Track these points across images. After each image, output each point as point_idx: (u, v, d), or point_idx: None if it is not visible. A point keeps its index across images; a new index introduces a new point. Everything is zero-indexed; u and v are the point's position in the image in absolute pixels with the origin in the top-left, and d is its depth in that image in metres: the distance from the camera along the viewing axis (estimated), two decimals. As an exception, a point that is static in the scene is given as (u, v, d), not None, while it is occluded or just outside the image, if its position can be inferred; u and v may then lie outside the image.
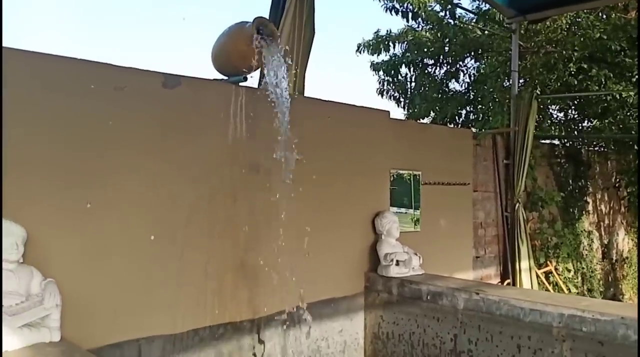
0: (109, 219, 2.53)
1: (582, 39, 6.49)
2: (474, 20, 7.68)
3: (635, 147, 7.25)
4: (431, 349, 3.44)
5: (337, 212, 3.62)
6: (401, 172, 4.56)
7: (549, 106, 8.15)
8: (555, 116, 8.51)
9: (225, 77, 3.13)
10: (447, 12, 7.27)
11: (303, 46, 3.73)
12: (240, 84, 3.10)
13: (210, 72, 3.18)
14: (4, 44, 2.23)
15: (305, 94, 3.89)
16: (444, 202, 4.97)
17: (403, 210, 4.70)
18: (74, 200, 2.42)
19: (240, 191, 3.06)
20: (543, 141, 7.42)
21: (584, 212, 7.71)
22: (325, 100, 3.60)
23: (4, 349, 1.89)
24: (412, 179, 4.70)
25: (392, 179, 4.40)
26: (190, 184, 2.85)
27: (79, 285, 2.38)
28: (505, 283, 5.96)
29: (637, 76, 6.45)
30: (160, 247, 2.71)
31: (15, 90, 2.25)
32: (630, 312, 2.68)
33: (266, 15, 3.69)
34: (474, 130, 6.32)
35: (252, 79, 3.20)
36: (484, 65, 7.63)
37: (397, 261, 3.71)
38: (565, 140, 7.68)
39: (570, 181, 7.56)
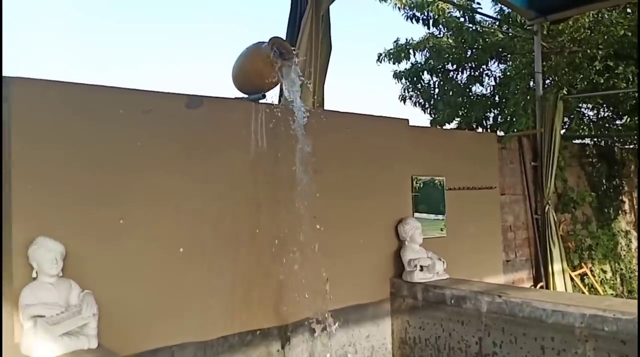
0: (140, 233, 2.70)
1: (605, 37, 6.42)
2: (497, 24, 7.68)
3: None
4: (457, 353, 3.48)
5: (360, 221, 3.71)
6: (424, 178, 4.62)
7: (580, 106, 8.05)
8: (587, 116, 8.38)
9: (246, 96, 3.29)
10: (467, 18, 7.30)
11: (320, 62, 3.87)
12: (260, 101, 3.26)
13: (231, 91, 3.34)
14: (43, 77, 2.45)
15: (326, 107, 4.02)
16: (470, 206, 5.00)
17: (428, 216, 4.76)
18: (108, 217, 2.60)
19: (263, 203, 3.19)
20: (575, 141, 7.33)
21: (620, 211, 7.55)
22: (343, 112, 3.72)
23: (47, 356, 2.07)
24: (435, 184, 4.75)
25: (415, 185, 4.47)
26: (215, 198, 3.00)
27: (115, 296, 2.55)
28: (538, 286, 5.91)
29: None
30: (189, 259, 2.87)
31: (51, 118, 2.46)
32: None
33: (284, 33, 3.86)
34: (500, 133, 6.30)
35: (274, 96, 3.37)
36: (510, 67, 7.61)
37: (421, 266, 3.77)
38: (597, 139, 7.56)
39: (604, 181, 7.42)
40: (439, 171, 4.73)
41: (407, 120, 4.19)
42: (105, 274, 2.56)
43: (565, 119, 8.15)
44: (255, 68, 3.12)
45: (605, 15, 6.99)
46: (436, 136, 4.98)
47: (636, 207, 7.92)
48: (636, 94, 6.57)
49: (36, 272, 2.26)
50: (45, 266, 2.24)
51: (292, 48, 3.13)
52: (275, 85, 3.20)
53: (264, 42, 3.10)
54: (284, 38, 3.84)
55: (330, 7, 4.04)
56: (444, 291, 3.55)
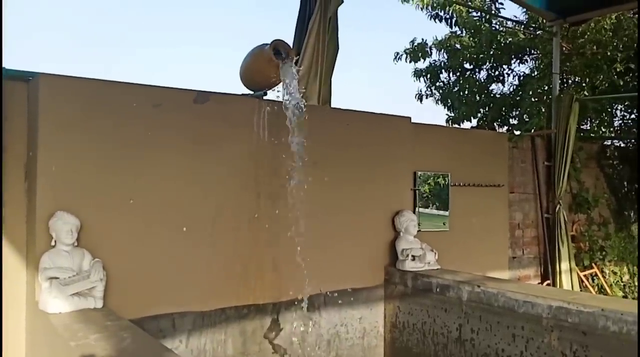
0: (148, 212, 3.06)
1: (626, 39, 6.41)
2: (517, 25, 7.71)
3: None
4: (439, 338, 3.72)
5: (357, 211, 3.97)
6: (428, 174, 4.84)
7: (610, 107, 8.00)
8: (617, 117, 8.32)
9: (252, 92, 3.61)
10: (483, 19, 7.39)
11: (327, 61, 4.14)
12: (264, 97, 3.56)
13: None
14: (76, 75, 2.83)
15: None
16: (475, 203, 5.17)
17: (431, 210, 4.97)
18: (120, 197, 2.97)
19: (263, 190, 3.51)
20: (600, 143, 7.32)
21: (640, 214, 7.50)
22: (344, 109, 3.98)
23: (58, 311, 2.46)
24: (440, 180, 4.96)
25: (418, 180, 4.70)
26: (218, 185, 3.33)
27: (122, 266, 2.92)
28: (545, 284, 6.03)
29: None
30: (191, 237, 3.21)
31: (72, 109, 2.84)
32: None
33: (292, 36, 4.15)
34: (517, 132, 6.41)
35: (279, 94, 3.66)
36: (530, 68, 7.66)
37: (413, 256, 4.02)
38: (621, 141, 7.53)
39: (625, 183, 7.40)
40: (444, 168, 4.93)
41: (409, 118, 4.41)
42: (115, 247, 2.92)
43: (594, 121, 8.14)
44: (259, 68, 3.42)
45: (623, 17, 6.93)
46: (442, 134, 5.17)
47: None
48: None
49: (54, 241, 2.64)
50: (62, 236, 2.62)
51: (292, 49, 3.41)
52: (277, 84, 3.48)
53: (267, 44, 3.39)
54: (293, 38, 4.15)
55: (339, 9, 4.30)
56: (431, 280, 3.79)
